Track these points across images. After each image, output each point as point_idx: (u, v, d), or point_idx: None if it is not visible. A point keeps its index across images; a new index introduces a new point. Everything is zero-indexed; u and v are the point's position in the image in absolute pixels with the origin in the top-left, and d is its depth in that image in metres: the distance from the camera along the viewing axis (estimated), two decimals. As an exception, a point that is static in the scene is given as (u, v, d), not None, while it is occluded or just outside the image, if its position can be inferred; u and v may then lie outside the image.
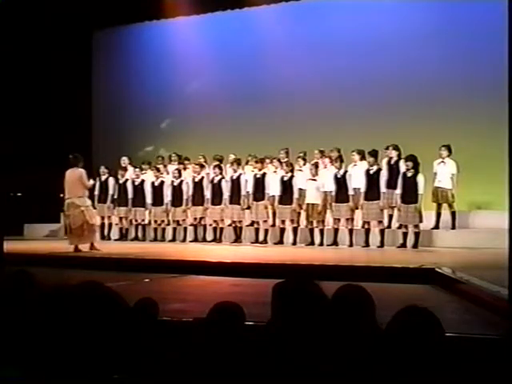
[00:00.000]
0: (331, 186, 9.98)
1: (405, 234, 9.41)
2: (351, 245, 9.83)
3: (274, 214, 10.60)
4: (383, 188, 9.60)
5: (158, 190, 11.55)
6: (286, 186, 10.32)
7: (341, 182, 9.89)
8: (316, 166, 10.33)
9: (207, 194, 11.09)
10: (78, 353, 1.55)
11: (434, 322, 2.01)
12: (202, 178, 11.25)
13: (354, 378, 1.99)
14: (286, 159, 10.75)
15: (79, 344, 1.55)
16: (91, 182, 9.90)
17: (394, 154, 9.83)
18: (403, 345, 1.95)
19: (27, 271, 2.39)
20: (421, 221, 9.23)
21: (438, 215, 9.92)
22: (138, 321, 2.20)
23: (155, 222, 11.67)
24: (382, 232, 9.66)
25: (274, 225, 10.69)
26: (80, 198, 9.08)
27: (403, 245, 9.37)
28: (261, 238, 10.66)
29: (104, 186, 11.77)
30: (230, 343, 2.15)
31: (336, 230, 10.02)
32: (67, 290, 1.65)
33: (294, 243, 10.32)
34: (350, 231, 9.91)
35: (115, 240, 11.79)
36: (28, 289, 2.14)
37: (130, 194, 11.73)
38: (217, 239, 11.06)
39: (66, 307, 1.60)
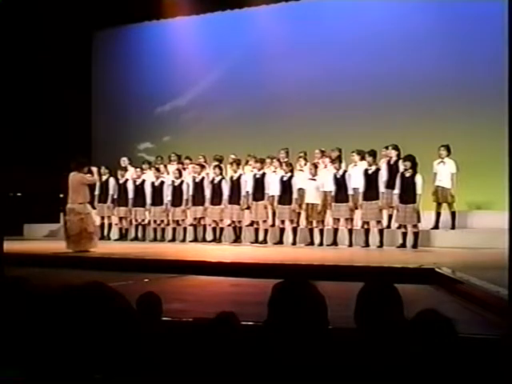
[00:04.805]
0: (331, 186, 9.98)
1: (404, 234, 9.42)
2: (351, 245, 9.83)
3: (274, 214, 10.61)
4: (382, 188, 9.60)
5: (157, 190, 11.55)
6: (286, 186, 10.32)
7: (340, 182, 9.89)
8: (316, 165, 10.34)
9: (207, 194, 11.10)
10: (79, 353, 1.55)
11: (449, 326, 2.03)
12: (203, 178, 11.26)
13: (361, 378, 2.00)
14: (285, 159, 10.75)
15: (80, 345, 1.55)
16: (95, 176, 9.88)
17: (393, 153, 9.84)
18: (419, 347, 1.97)
19: (23, 277, 2.39)
20: (419, 221, 9.24)
21: (438, 215, 9.93)
22: (140, 318, 2.21)
23: (155, 222, 11.68)
24: (381, 232, 9.66)
25: (273, 225, 10.69)
26: (80, 205, 9.08)
27: (403, 245, 9.37)
28: (260, 238, 10.66)
29: (104, 186, 11.78)
30: (226, 346, 2.16)
31: (336, 230, 10.01)
32: (70, 290, 1.65)
33: (294, 243, 10.32)
34: (350, 231, 9.91)
35: (115, 240, 11.79)
36: (24, 295, 2.14)
37: (131, 194, 11.74)
38: (216, 239, 11.06)
39: (70, 308, 1.60)
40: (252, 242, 10.67)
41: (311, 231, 10.23)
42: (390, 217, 9.87)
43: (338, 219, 9.99)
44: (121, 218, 11.93)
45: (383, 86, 11.91)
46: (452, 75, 11.32)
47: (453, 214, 9.88)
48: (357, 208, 9.84)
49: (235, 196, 10.82)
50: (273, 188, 10.49)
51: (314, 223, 10.18)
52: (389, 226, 9.90)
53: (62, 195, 11.13)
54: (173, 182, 11.46)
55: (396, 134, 10.79)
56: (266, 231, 10.64)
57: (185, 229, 11.45)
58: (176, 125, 14.27)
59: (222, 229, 11.10)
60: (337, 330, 2.25)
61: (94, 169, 9.95)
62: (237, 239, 10.91)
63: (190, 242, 11.21)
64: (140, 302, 3.05)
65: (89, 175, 9.45)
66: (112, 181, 11.86)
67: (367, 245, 9.68)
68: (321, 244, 10.10)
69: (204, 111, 13.67)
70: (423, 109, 11.57)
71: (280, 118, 12.77)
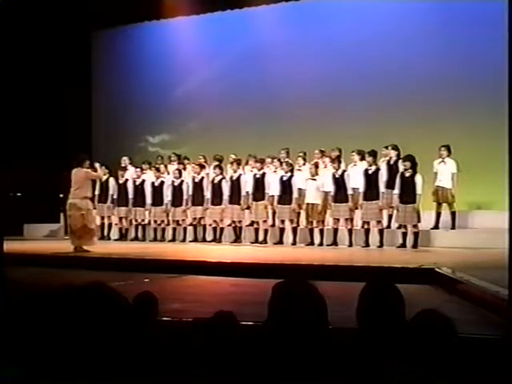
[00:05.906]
0: (331, 186, 9.98)
1: (404, 234, 9.42)
2: (351, 245, 9.83)
3: (274, 213, 10.61)
4: (382, 188, 9.61)
5: (157, 190, 11.56)
6: (286, 185, 10.32)
7: (339, 182, 9.89)
8: (316, 165, 10.34)
9: (207, 194, 11.10)
10: (79, 353, 1.55)
11: (449, 326, 2.03)
12: (203, 178, 11.26)
13: (357, 377, 2.00)
14: (286, 159, 10.75)
15: (81, 344, 1.55)
16: (99, 171, 9.91)
17: (393, 153, 9.84)
18: (418, 347, 1.98)
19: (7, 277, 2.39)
20: (419, 221, 9.24)
21: (438, 215, 9.93)
22: (137, 318, 2.21)
23: (155, 222, 11.68)
24: (381, 232, 9.66)
25: (273, 225, 10.69)
26: (82, 200, 9.08)
27: (403, 245, 9.37)
28: (260, 237, 10.66)
29: (104, 185, 11.78)
30: (225, 346, 2.16)
31: (336, 230, 10.01)
32: (70, 290, 1.65)
33: (294, 243, 10.32)
34: (350, 231, 9.91)
35: (115, 240, 11.80)
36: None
37: (131, 194, 11.75)
38: (216, 239, 11.06)
39: (70, 308, 1.60)
40: (252, 242, 10.67)
41: (311, 231, 10.23)
42: (390, 217, 9.87)
43: (338, 219, 9.99)
44: (121, 218, 11.93)
45: (383, 87, 11.90)
46: (452, 75, 11.31)
47: (453, 214, 9.88)
48: (357, 208, 9.84)
49: (235, 196, 10.82)
50: (273, 188, 10.49)
51: (314, 223, 10.18)
52: (389, 226, 9.90)
53: (62, 195, 11.13)
54: (173, 182, 11.46)
55: (396, 134, 10.79)
56: (265, 231, 10.64)
57: (185, 229, 11.45)
58: (175, 124, 14.27)
59: (222, 229, 11.10)
60: (337, 330, 2.25)
61: (97, 164, 9.96)
62: (237, 239, 10.91)
63: (190, 241, 11.21)
64: (136, 301, 3.04)
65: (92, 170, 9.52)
66: (112, 181, 11.86)
67: (367, 245, 9.68)
68: (321, 244, 10.10)
69: (204, 111, 13.65)
70: (423, 109, 11.57)
71: (280, 117, 12.76)
